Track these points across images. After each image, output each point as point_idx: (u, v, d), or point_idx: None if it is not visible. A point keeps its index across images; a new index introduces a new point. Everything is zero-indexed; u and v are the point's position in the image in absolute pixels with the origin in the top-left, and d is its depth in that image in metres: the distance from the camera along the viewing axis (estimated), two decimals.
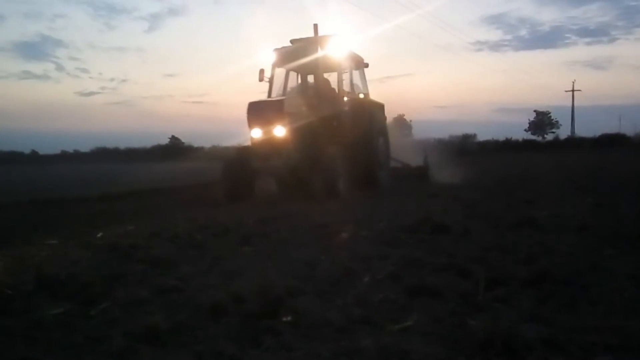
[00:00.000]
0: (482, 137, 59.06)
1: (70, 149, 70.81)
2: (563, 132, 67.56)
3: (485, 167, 19.39)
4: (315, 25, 11.82)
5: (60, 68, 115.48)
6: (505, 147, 50.54)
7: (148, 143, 63.49)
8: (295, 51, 11.59)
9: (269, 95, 11.54)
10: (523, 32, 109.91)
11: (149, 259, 4.58)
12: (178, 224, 6.74)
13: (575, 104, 69.49)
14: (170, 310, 3.12)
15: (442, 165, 13.57)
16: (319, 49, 11.22)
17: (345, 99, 11.46)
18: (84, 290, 3.52)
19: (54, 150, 70.52)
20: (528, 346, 2.44)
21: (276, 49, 11.73)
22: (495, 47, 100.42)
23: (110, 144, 66.29)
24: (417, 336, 2.63)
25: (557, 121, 70.71)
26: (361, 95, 12.23)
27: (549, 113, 71.07)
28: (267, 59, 11.71)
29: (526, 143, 56.74)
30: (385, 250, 4.64)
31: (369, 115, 11.83)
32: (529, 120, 71.32)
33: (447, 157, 14.94)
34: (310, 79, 12.46)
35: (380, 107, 13.03)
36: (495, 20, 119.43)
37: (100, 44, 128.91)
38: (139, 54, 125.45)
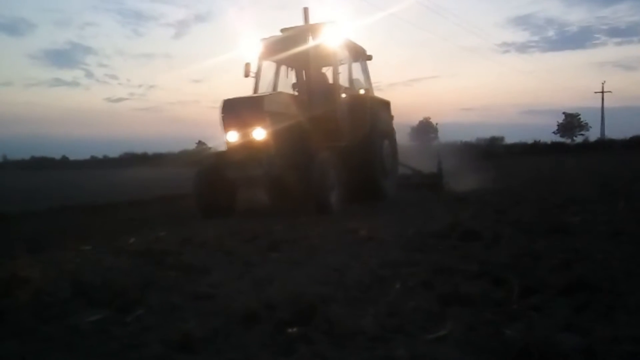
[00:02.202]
0: (510, 139, 58.60)
1: (99, 154, 72.19)
2: (593, 134, 66.67)
3: (514, 171, 19.16)
4: (306, 10, 10.33)
5: (89, 75, 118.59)
6: (534, 150, 50.00)
7: (175, 148, 64.32)
8: (284, 41, 10.20)
9: (255, 92, 10.26)
10: (551, 33, 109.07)
11: (181, 266, 4.63)
12: (207, 230, 6.81)
13: (605, 105, 68.87)
14: (204, 317, 3.15)
15: (463, 171, 12.69)
16: (310, 38, 9.80)
17: (343, 95, 10.20)
18: (119, 296, 3.57)
19: (84, 155, 71.99)
20: (565, 356, 2.40)
21: (263, 39, 10.39)
22: (523, 48, 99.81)
23: (138, 149, 67.45)
24: (451, 346, 2.61)
25: (586, 123, 69.90)
26: (362, 91, 10.94)
27: (578, 115, 70.31)
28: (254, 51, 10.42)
29: (555, 145, 56.07)
30: (415, 256, 4.62)
31: (370, 115, 10.36)
32: (557, 122, 70.55)
33: (470, 162, 14.20)
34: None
35: (385, 104, 11.69)
36: (522, 21, 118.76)
37: (128, 50, 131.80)
38: (166, 60, 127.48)
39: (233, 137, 8.57)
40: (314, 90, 10.07)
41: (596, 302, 3.16)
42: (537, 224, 6.00)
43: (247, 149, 8.47)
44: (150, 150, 65.75)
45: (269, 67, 10.82)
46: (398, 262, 4.38)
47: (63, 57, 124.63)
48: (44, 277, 4.28)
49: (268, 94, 9.75)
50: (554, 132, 70.03)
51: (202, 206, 9.00)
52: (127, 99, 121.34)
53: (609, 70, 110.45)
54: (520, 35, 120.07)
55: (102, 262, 4.95)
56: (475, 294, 3.35)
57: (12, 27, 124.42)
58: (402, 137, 14.29)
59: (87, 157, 71.64)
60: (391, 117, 11.78)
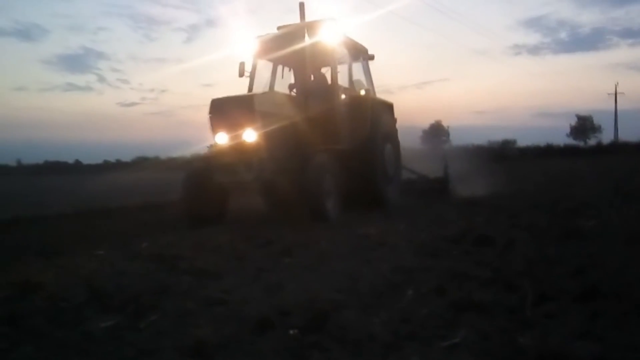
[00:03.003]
0: (522, 142, 58.18)
1: (112, 158, 72.58)
2: (606, 137, 66.04)
3: (527, 174, 19.03)
4: (302, 5, 9.78)
5: (102, 79, 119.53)
6: (547, 153, 49.58)
7: (188, 152, 64.31)
8: (280, 39, 9.68)
9: (249, 92, 9.71)
10: (563, 35, 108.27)
11: (194, 270, 4.65)
12: (219, 235, 6.82)
13: (619, 107, 68.18)
14: (217, 323, 3.16)
15: (474, 175, 12.17)
16: (307, 36, 9.20)
17: (343, 96, 9.67)
18: (133, 302, 3.59)
19: (97, 160, 72.44)
20: None
21: (258, 37, 9.89)
22: (534, 50, 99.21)
23: (150, 153, 67.65)
24: (465, 353, 2.59)
25: (599, 126, 69.24)
26: (362, 92, 10.41)
27: (591, 117, 69.66)
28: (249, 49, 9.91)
29: (568, 148, 55.62)
30: (428, 262, 4.61)
31: (371, 117, 9.81)
32: (570, 125, 70.02)
33: (482, 165, 13.87)
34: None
35: (388, 106, 11.07)
36: (534, 23, 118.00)
37: (140, 55, 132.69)
38: (177, 64, 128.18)
39: (222, 139, 8.02)
40: (310, 90, 9.59)
41: (611, 309, 3.13)
42: (551, 229, 5.97)
43: (237, 151, 7.93)
44: (163, 154, 65.82)
45: (265, 67, 10.33)
46: (410, 267, 4.37)
47: (76, 62, 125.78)
48: (58, 282, 4.33)
49: (259, 93, 9.29)
50: (567, 135, 69.55)
51: (190, 212, 8.54)
52: (139, 103, 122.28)
53: (622, 72, 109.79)
54: (532, 38, 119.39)
55: (116, 267, 4.98)
56: (489, 301, 3.34)
57: (26, 33, 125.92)
58: (413, 141, 14.07)
59: (100, 161, 72.13)
60: (394, 120, 11.22)
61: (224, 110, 7.98)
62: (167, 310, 3.47)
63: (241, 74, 9.88)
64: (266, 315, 3.16)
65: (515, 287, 3.63)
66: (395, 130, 11.17)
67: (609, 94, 69.50)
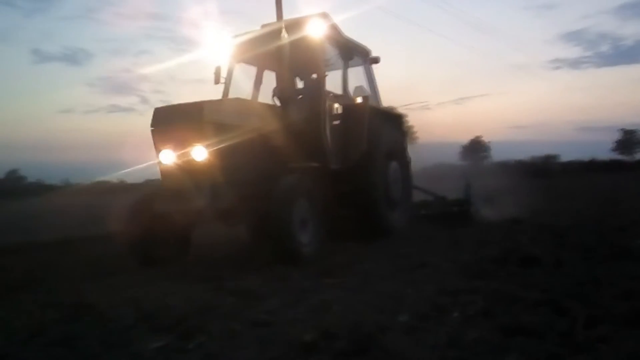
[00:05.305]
0: (565, 157, 57.04)
1: (154, 177, 73.97)
2: None
3: (571, 190, 18.59)
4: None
5: (144, 101, 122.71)
6: (591, 168, 48.37)
7: None
8: (258, 40, 8.31)
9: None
10: (604, 48, 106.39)
11: (238, 291, 4.70)
12: (259, 255, 6.85)
13: None
14: (263, 345, 3.18)
15: (516, 191, 11.18)
16: (284, 33, 7.49)
17: (336, 106, 8.29)
18: (180, 323, 3.67)
19: (139, 179, 73.97)
20: None
21: (235, 37, 8.56)
22: (575, 64, 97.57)
23: None
24: None
25: None
26: (359, 100, 8.76)
27: (637, 131, 67.84)
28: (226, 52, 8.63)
29: (613, 163, 54.20)
30: (473, 283, 4.53)
31: (370, 129, 8.26)
32: (615, 139, 68.34)
33: (524, 181, 13.19)
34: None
35: (394, 117, 9.63)
36: (574, 37, 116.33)
37: (181, 76, 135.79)
38: (217, 85, 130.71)
39: (167, 157, 6.44)
40: (289, 97, 8.09)
41: None
42: (599, 249, 5.81)
43: (185, 173, 6.37)
44: None
45: (246, 72, 9.05)
46: (455, 289, 4.31)
47: (120, 84, 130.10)
48: (108, 302, 4.44)
49: (212, 100, 7.34)
50: (611, 149, 67.83)
51: (134, 251, 6.74)
52: None
53: None
54: (572, 51, 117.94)
55: (162, 287, 5.07)
56: (538, 324, 3.26)
57: (73, 58, 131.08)
58: (452, 157, 13.76)
59: (142, 180, 73.66)
60: (403, 133, 9.86)
61: (169, 122, 6.45)
62: (213, 331, 3.51)
63: (217, 81, 8.51)
64: (312, 338, 3.17)
65: (564, 309, 3.55)
66: (404, 146, 9.74)
67: None
